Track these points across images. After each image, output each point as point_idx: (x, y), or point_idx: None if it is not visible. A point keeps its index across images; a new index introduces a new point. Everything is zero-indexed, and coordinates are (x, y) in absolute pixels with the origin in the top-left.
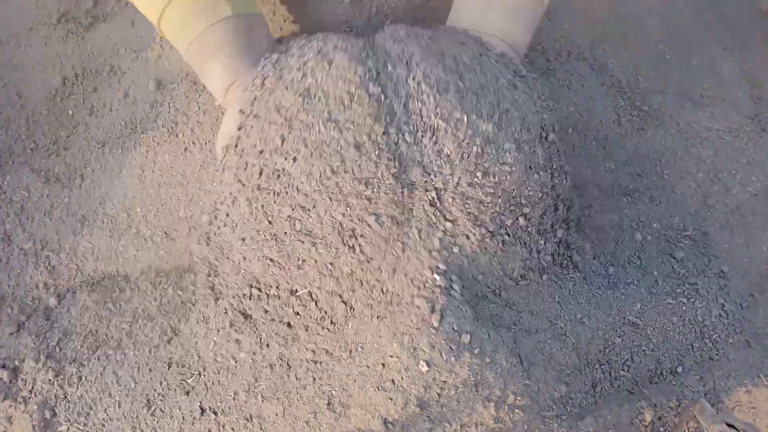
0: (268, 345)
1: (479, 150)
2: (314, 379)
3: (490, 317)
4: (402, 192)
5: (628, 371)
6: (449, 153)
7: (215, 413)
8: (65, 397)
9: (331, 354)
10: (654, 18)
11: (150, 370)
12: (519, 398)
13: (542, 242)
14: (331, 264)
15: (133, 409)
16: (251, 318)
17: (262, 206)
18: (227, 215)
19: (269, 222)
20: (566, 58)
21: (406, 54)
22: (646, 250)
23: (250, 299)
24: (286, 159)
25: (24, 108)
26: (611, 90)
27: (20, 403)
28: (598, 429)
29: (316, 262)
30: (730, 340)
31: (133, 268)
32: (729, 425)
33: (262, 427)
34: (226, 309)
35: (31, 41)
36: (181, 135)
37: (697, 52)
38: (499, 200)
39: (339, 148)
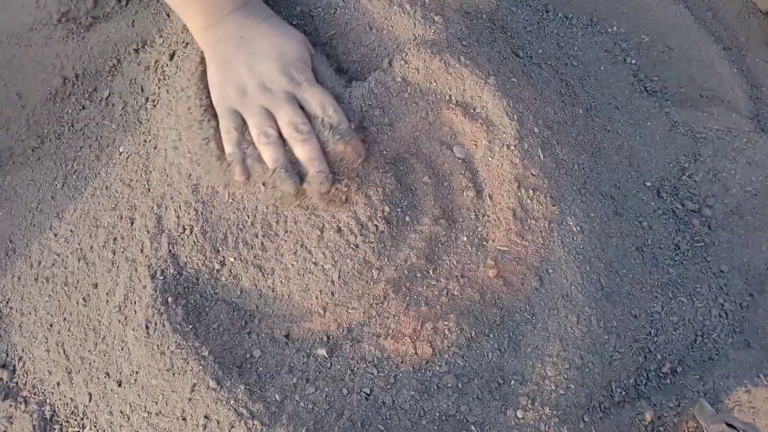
0: None
1: None
2: None
3: None
4: None
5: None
6: None
7: None
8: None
9: None
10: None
11: None
12: None
13: None
14: None
15: None
16: None
17: None
18: None
19: None
20: None
21: None
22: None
23: None
24: None
25: (24, 108)
26: None
27: (20, 402)
28: (600, 429)
29: None
30: (730, 340)
31: None
32: (729, 425)
33: None
34: None
35: (31, 41)
36: None
37: (697, 52)
38: None
39: None
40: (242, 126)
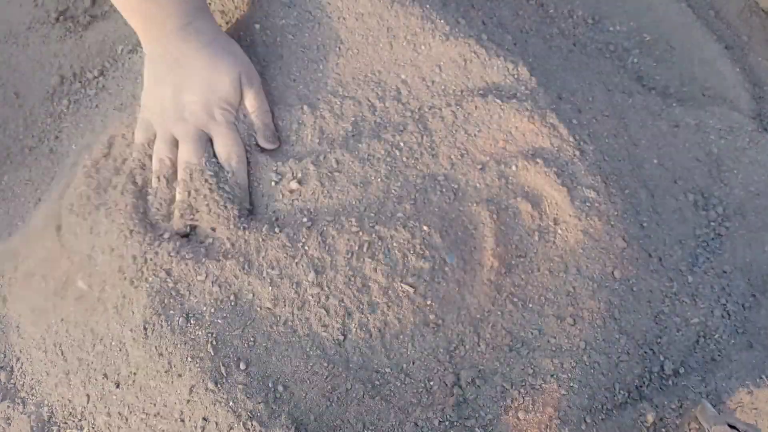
0: None
1: None
2: None
3: None
4: None
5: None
6: None
7: None
8: None
9: None
10: (653, 16)
11: None
12: None
13: None
14: None
15: None
16: None
17: None
18: None
19: None
20: None
21: None
22: None
23: None
24: None
25: (22, 107)
26: None
27: (18, 403)
28: (602, 430)
29: None
30: (732, 341)
31: None
32: (731, 426)
33: None
34: None
35: (29, 40)
36: None
37: (699, 51)
38: None
39: None
40: (152, 140)
